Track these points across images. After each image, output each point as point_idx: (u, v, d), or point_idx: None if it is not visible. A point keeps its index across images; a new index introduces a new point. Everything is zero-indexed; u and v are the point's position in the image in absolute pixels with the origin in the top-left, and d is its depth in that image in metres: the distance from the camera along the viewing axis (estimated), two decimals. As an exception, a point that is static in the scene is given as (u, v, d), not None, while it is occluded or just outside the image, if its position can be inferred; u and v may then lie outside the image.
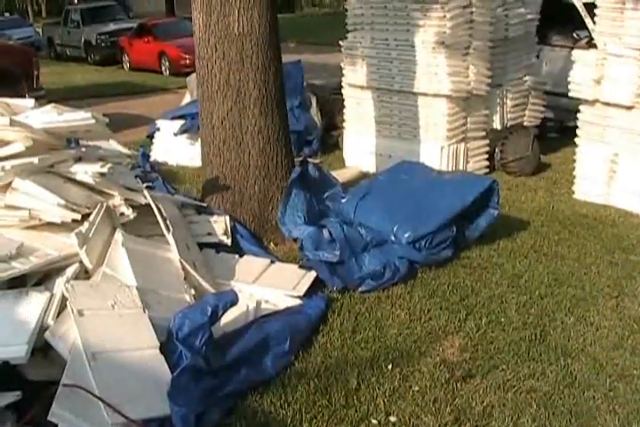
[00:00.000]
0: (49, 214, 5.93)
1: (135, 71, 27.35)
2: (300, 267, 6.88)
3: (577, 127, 9.46)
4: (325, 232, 6.92)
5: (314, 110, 12.41)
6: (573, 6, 12.16)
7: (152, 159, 10.92)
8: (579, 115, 9.36)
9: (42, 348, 4.99)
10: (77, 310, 5.01)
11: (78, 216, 5.95)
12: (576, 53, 9.39)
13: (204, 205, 7.77)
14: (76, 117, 6.61)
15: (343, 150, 11.57)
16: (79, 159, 6.55)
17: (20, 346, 4.73)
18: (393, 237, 7.01)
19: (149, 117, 14.36)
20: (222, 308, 5.29)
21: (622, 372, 5.41)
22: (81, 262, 5.70)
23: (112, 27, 31.42)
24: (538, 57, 11.62)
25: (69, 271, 5.61)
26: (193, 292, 6.00)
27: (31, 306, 5.14)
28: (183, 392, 4.77)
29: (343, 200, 7.72)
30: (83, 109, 6.99)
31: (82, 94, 20.05)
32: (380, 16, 10.47)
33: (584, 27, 11.80)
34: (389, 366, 5.47)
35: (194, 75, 9.49)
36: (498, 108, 10.56)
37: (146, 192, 6.80)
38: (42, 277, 5.62)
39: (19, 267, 5.41)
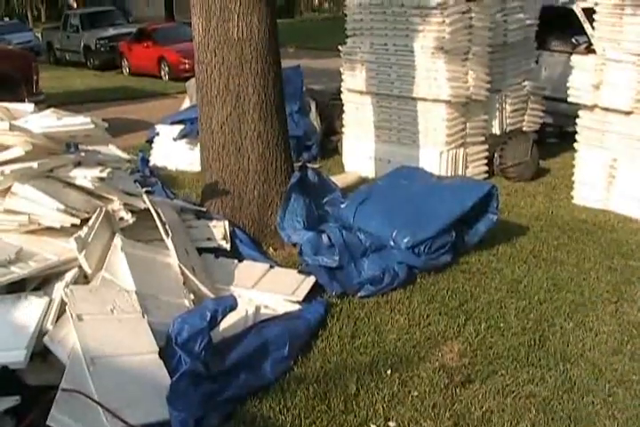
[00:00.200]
0: (48, 219, 5.93)
1: (134, 76, 27.37)
2: (300, 272, 6.87)
3: (576, 132, 9.46)
4: (324, 237, 6.92)
5: (313, 115, 12.42)
6: (572, 12, 12.23)
7: (151, 164, 10.92)
8: (578, 120, 9.37)
9: (41, 352, 4.99)
10: (76, 314, 5.01)
11: (77, 221, 5.95)
12: (575, 59, 9.39)
13: (204, 209, 7.77)
14: (76, 122, 6.61)
15: (342, 155, 11.57)
16: (78, 164, 6.55)
17: (18, 351, 4.74)
18: (392, 243, 7.02)
19: (149, 122, 14.36)
20: (221, 313, 5.29)
21: (621, 377, 5.41)
22: (80, 267, 5.70)
23: (111, 31, 31.42)
24: (537, 62, 11.65)
25: (68, 276, 5.62)
26: (192, 297, 5.99)
27: (30, 311, 5.14)
28: (182, 397, 4.76)
29: (342, 205, 7.73)
30: (82, 114, 6.98)
31: (81, 99, 20.07)
32: (379, 21, 10.48)
33: (583, 32, 11.87)
34: (388, 372, 5.46)
35: (193, 80, 9.50)
36: (497, 114, 10.57)
37: (145, 197, 6.80)
38: (41, 282, 5.62)
39: (18, 271, 5.42)
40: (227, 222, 7.43)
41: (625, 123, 8.75)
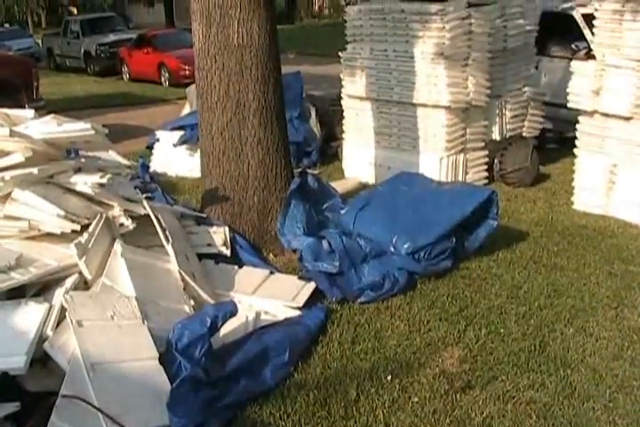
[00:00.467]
0: (48, 225, 5.93)
1: (135, 82, 27.35)
2: (300, 278, 6.88)
3: (576, 138, 9.46)
4: (325, 243, 6.92)
5: (313, 121, 12.43)
6: (572, 18, 12.24)
7: (151, 170, 10.91)
8: (577, 126, 9.37)
9: (41, 358, 4.99)
10: (76, 320, 5.01)
11: (78, 227, 5.95)
12: (575, 64, 9.40)
13: (204, 215, 7.77)
14: (76, 128, 6.62)
15: (342, 161, 11.57)
16: (79, 170, 6.56)
17: (18, 357, 4.74)
18: (392, 248, 7.02)
19: (149, 128, 14.36)
20: (221, 319, 5.29)
21: (622, 383, 5.41)
22: (80, 273, 5.70)
23: (112, 38, 31.42)
24: (537, 68, 11.65)
25: (69, 282, 5.62)
26: (192, 303, 6.00)
27: (30, 317, 5.14)
28: (182, 403, 4.76)
29: (342, 211, 7.73)
30: (82, 120, 6.99)
31: (81, 105, 20.06)
32: (379, 27, 10.49)
33: (583, 38, 11.87)
34: (389, 378, 5.46)
35: (193, 86, 9.50)
36: (497, 119, 10.56)
37: (145, 203, 6.80)
38: (41, 288, 5.62)
39: (18, 277, 5.42)
40: (227, 228, 7.43)
41: (625, 128, 8.75)
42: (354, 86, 10.96)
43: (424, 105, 10.08)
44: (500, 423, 4.95)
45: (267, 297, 6.46)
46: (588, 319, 6.37)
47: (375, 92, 10.64)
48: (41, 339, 5.01)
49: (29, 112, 7.23)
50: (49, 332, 5.09)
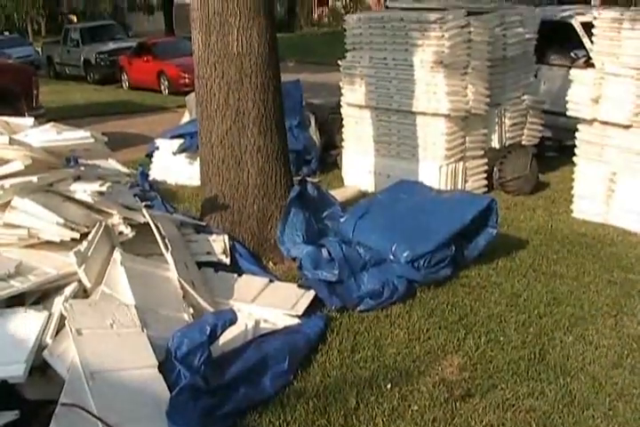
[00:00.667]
0: (48, 233, 5.94)
1: (134, 90, 27.38)
2: (299, 286, 6.87)
3: (575, 146, 9.46)
4: (324, 251, 6.92)
5: (313, 129, 12.43)
6: (571, 26, 12.27)
7: (151, 178, 10.92)
8: (577, 134, 9.37)
9: (40, 367, 4.99)
10: (76, 328, 5.01)
11: (77, 235, 5.95)
12: (574, 73, 9.41)
13: (203, 223, 7.77)
14: (76, 136, 6.63)
15: (342, 169, 11.57)
16: (78, 178, 6.56)
17: (18, 365, 4.73)
18: (392, 257, 7.02)
19: (148, 136, 14.37)
20: (221, 327, 5.29)
21: (622, 391, 5.40)
22: (79, 281, 5.70)
23: (111, 46, 31.49)
24: (536, 76, 11.66)
25: (68, 290, 5.62)
26: (191, 311, 5.99)
27: (29, 325, 5.14)
28: (182, 412, 4.76)
29: (342, 219, 7.73)
30: (82, 128, 7.00)
31: (81, 113, 20.04)
32: (378, 36, 10.51)
33: (582, 46, 11.90)
34: (388, 386, 5.46)
35: (193, 94, 9.50)
36: (496, 128, 10.58)
37: (145, 211, 6.80)
38: (40, 296, 5.62)
39: (17, 285, 5.42)
40: (226, 236, 7.43)
41: (624, 136, 8.75)
42: (353, 94, 10.97)
43: (423, 113, 10.09)
44: (499, 432, 4.95)
45: (266, 305, 6.46)
46: (587, 327, 6.37)
47: (375, 101, 10.65)
48: (40, 347, 5.00)
49: (29, 120, 7.24)
50: (48, 340, 5.08)
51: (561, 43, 12.53)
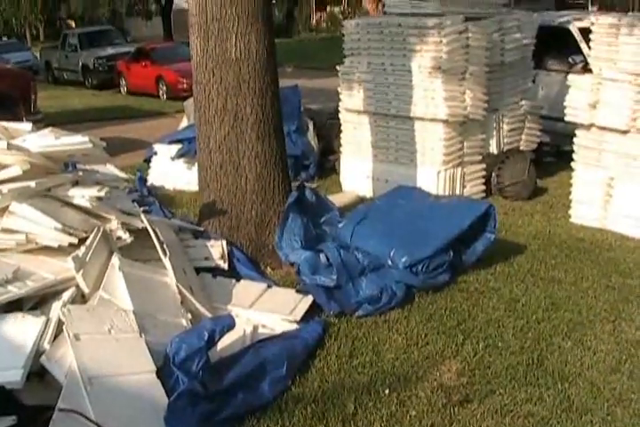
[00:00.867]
0: (46, 238, 5.93)
1: (132, 95, 27.40)
2: (297, 291, 6.87)
3: (573, 151, 9.48)
4: (322, 257, 6.91)
5: (311, 135, 12.44)
6: (569, 31, 12.28)
7: (149, 183, 10.93)
8: (574, 139, 9.38)
9: (38, 372, 4.98)
10: (74, 334, 5.01)
11: (75, 240, 5.95)
12: (572, 78, 9.43)
13: (201, 229, 7.77)
14: (74, 141, 6.62)
15: (340, 175, 11.57)
16: (76, 183, 6.56)
17: (15, 370, 4.72)
18: (390, 262, 7.01)
19: (147, 141, 14.35)
20: (219, 332, 5.29)
21: (620, 396, 5.40)
22: (77, 286, 5.70)
23: (110, 51, 31.52)
24: (534, 81, 11.67)
25: (66, 295, 5.61)
26: (190, 316, 5.98)
27: (27, 330, 5.13)
28: (180, 417, 4.75)
29: (340, 224, 7.73)
30: (80, 133, 6.99)
31: (79, 118, 20.02)
32: (376, 41, 10.52)
33: (579, 52, 11.92)
34: (386, 391, 5.45)
35: (191, 99, 9.50)
36: (494, 133, 10.58)
37: (143, 216, 6.80)
38: (38, 301, 5.62)
39: (15, 291, 5.42)
40: (224, 242, 7.43)
41: (621, 142, 8.77)
42: (351, 100, 10.97)
43: (422, 118, 10.09)
44: (498, 437, 4.95)
45: (264, 311, 6.45)
46: (585, 333, 6.37)
47: (373, 106, 10.65)
48: (38, 352, 4.99)
49: (27, 125, 7.24)
50: (46, 345, 5.07)
51: (559, 48, 12.55)
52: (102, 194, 6.39)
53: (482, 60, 10.04)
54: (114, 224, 6.43)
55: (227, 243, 7.44)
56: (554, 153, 12.06)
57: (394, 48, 10.27)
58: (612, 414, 5.18)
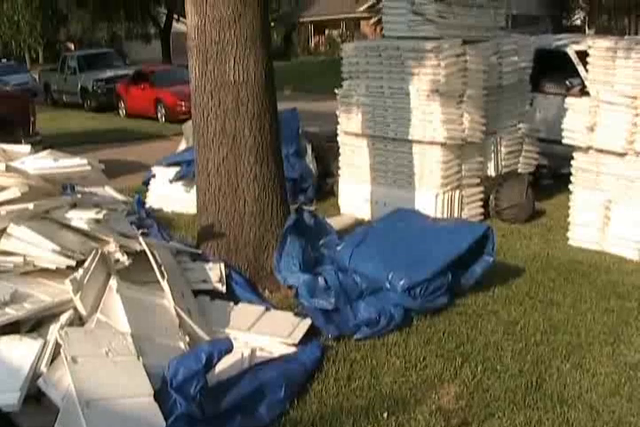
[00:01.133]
0: (44, 260, 5.93)
1: (131, 118, 27.46)
2: (296, 314, 6.85)
3: (571, 174, 9.50)
4: (321, 280, 6.90)
5: (309, 158, 12.45)
6: (566, 54, 12.33)
7: (147, 206, 10.92)
8: (572, 162, 9.41)
9: (35, 395, 4.96)
10: (71, 356, 4.99)
11: (73, 262, 5.95)
12: (569, 101, 9.46)
13: (199, 252, 7.77)
14: (72, 164, 6.64)
15: (338, 198, 11.58)
16: (74, 205, 6.56)
17: (12, 393, 4.71)
18: (388, 285, 7.00)
19: (145, 164, 14.37)
20: (217, 355, 5.27)
21: (619, 419, 5.38)
22: (75, 309, 5.69)
23: (108, 73, 31.56)
24: (531, 104, 11.71)
25: (63, 318, 5.60)
26: (187, 339, 5.96)
27: (24, 353, 5.12)
28: (177, 441, 4.73)
29: (338, 247, 7.72)
30: (78, 156, 7.00)
31: (78, 140, 20.03)
32: (374, 64, 10.56)
33: (577, 75, 11.97)
34: (385, 415, 5.42)
35: (190, 122, 9.53)
36: (492, 156, 10.60)
37: (141, 239, 6.80)
38: (35, 324, 5.60)
39: (12, 313, 5.40)
40: (222, 265, 7.42)
41: (619, 164, 8.79)
42: (350, 123, 11.00)
43: (420, 141, 10.11)
44: (496, 461, 4.93)
45: (262, 334, 6.44)
46: (584, 355, 6.35)
47: (371, 129, 10.68)
48: (35, 375, 4.98)
49: (26, 147, 7.26)
50: (43, 368, 5.06)
51: (556, 71, 12.59)
52: (100, 216, 6.40)
53: (479, 83, 10.08)
54: (112, 247, 6.43)
55: (225, 265, 7.43)
56: (552, 175, 12.07)
57: (392, 71, 10.31)
58: (612, 438, 5.17)
